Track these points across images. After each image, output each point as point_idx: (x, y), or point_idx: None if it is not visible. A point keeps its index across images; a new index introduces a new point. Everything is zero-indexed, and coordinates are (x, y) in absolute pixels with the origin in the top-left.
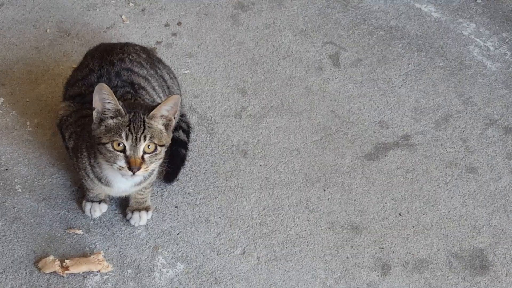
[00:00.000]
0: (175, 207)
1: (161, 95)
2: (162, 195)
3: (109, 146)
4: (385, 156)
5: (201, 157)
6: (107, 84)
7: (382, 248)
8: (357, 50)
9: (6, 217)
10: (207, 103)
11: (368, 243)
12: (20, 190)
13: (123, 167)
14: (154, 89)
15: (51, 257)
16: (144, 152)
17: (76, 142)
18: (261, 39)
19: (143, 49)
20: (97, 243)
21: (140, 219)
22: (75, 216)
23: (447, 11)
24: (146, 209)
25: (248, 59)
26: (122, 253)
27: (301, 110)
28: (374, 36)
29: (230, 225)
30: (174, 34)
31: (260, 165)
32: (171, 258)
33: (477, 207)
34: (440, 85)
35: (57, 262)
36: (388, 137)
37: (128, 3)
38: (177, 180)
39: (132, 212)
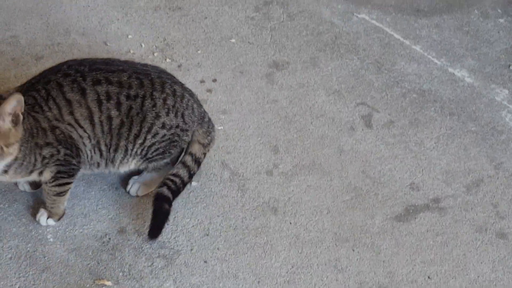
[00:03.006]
0: (204, 261)
1: (85, 126)
2: (191, 249)
3: None
4: (415, 218)
5: (232, 212)
6: (35, 87)
7: None
8: (390, 112)
9: (37, 266)
10: (240, 160)
11: None
12: (51, 239)
13: None
14: (72, 113)
15: None
16: None
17: None
18: (294, 98)
19: (127, 85)
20: None
21: (41, 216)
22: (105, 268)
23: (480, 77)
24: (50, 213)
25: (281, 117)
26: None
27: (333, 170)
28: (407, 98)
29: (259, 281)
30: (209, 91)
31: (290, 223)
32: None
33: (507, 273)
34: (472, 150)
35: None
36: (419, 200)
37: (165, 59)
38: (207, 235)
39: (41, 208)
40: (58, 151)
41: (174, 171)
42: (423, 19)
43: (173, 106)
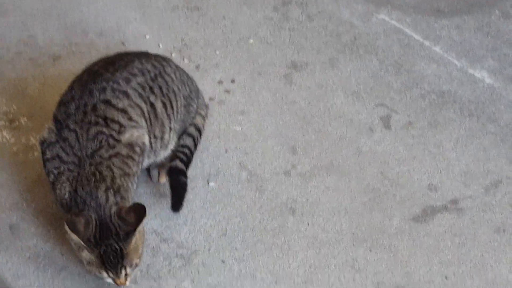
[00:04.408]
0: (222, 261)
1: (142, 124)
2: (209, 249)
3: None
4: (433, 219)
5: (250, 213)
6: (81, 118)
7: None
8: (409, 113)
9: (55, 265)
10: (258, 160)
11: None
12: None
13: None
14: (130, 119)
15: None
16: (126, 273)
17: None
18: (313, 99)
19: (147, 70)
20: None
21: None
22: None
23: (500, 78)
24: None
25: (299, 118)
26: None
27: (351, 171)
28: (426, 100)
29: (276, 282)
30: (227, 91)
31: (308, 224)
32: None
33: None
34: (491, 151)
35: None
36: (437, 201)
37: (183, 59)
38: (225, 235)
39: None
40: (139, 162)
41: (181, 142)
42: (443, 19)
43: (181, 78)
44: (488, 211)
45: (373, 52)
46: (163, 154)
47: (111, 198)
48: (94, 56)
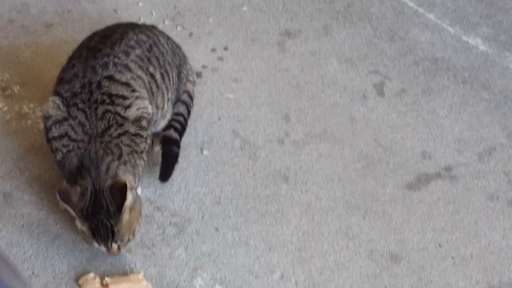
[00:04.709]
0: (216, 229)
1: (145, 96)
2: (203, 217)
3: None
4: (427, 186)
5: (243, 181)
6: (88, 97)
7: (421, 278)
8: (402, 80)
9: (49, 234)
10: (251, 128)
11: (406, 273)
12: (63, 207)
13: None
14: (134, 91)
15: (92, 275)
16: (119, 246)
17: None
18: (306, 66)
19: (142, 41)
20: (137, 263)
21: None
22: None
23: (494, 45)
24: None
25: (293, 86)
26: (162, 273)
27: (344, 138)
28: (420, 67)
29: (270, 249)
30: (220, 59)
31: (301, 191)
32: (210, 280)
33: None
34: (485, 118)
35: (97, 280)
36: (430, 168)
37: (176, 27)
38: (218, 204)
39: None
40: (149, 135)
41: (175, 110)
42: None
43: (172, 47)
44: (482, 178)
45: (367, 19)
46: (162, 124)
47: (111, 171)
48: (86, 24)
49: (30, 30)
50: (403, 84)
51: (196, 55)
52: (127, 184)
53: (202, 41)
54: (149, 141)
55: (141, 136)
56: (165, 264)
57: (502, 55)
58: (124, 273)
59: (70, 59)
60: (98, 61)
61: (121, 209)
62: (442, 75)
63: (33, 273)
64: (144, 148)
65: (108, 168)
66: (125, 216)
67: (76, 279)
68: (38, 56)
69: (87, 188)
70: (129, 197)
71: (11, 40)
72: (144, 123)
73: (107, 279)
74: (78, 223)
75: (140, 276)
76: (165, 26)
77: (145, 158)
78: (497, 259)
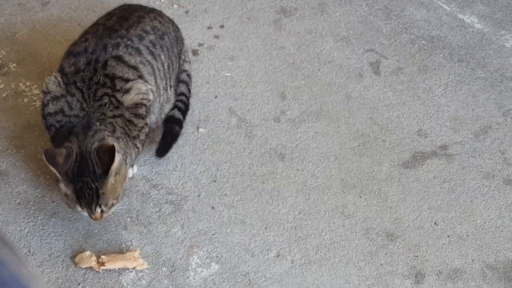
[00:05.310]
0: (212, 207)
1: (151, 82)
2: (199, 195)
3: None
4: (423, 165)
5: (239, 159)
6: (89, 77)
7: (417, 256)
8: (398, 59)
9: (45, 211)
10: (247, 106)
11: (402, 251)
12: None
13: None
14: (140, 77)
15: (88, 253)
16: (102, 210)
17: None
18: (302, 45)
19: (157, 28)
20: (133, 240)
21: None
22: (113, 213)
23: (490, 23)
24: None
25: (289, 64)
26: (158, 251)
27: (340, 117)
28: (416, 45)
29: (266, 227)
30: (216, 37)
31: (297, 170)
32: (206, 258)
33: None
34: (480, 96)
35: (94, 258)
36: (426, 146)
37: (172, 5)
38: (214, 182)
39: None
40: (146, 124)
41: (178, 90)
42: None
43: (176, 34)
44: (477, 156)
45: None
46: (168, 108)
47: (99, 135)
48: (82, 1)
49: (27, 8)
50: (399, 63)
51: (192, 33)
52: (116, 146)
53: (198, 19)
54: (145, 130)
55: (135, 125)
56: (161, 242)
57: (498, 33)
58: (120, 251)
59: (85, 33)
60: (112, 41)
61: (108, 171)
62: (438, 53)
63: (29, 251)
64: (137, 135)
65: (96, 132)
66: (111, 179)
67: (72, 257)
68: (35, 34)
69: (73, 150)
70: (117, 160)
71: (7, 18)
72: (141, 110)
73: (103, 257)
74: (63, 186)
75: (136, 254)
76: (161, 4)
77: (138, 145)
78: (492, 238)
